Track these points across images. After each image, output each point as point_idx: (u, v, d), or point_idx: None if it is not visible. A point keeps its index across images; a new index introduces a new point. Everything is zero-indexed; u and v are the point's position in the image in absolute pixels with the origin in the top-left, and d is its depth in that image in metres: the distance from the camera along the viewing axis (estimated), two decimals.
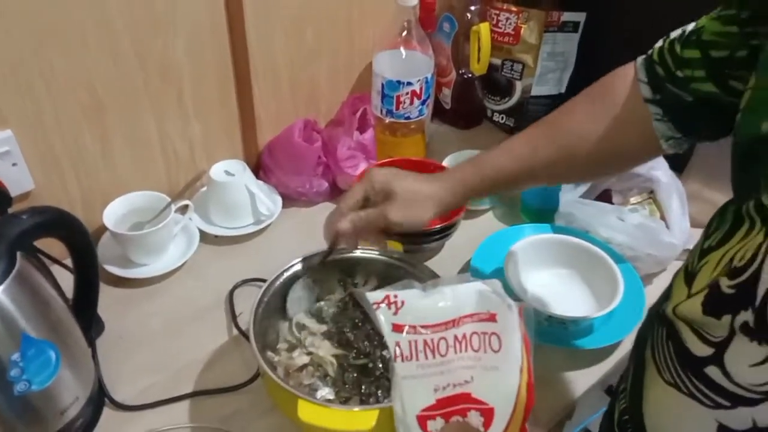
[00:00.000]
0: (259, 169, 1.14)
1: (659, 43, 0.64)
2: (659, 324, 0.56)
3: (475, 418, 0.53)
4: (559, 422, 0.91)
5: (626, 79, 0.66)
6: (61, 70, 0.85)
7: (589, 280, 0.95)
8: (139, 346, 0.87)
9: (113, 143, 0.96)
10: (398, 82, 1.06)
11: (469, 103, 1.30)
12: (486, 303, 0.56)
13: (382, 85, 1.07)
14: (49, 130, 0.89)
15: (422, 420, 0.52)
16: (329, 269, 0.84)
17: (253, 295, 0.78)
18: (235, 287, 0.94)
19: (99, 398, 0.78)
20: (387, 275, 0.84)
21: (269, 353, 0.76)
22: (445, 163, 1.11)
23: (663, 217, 1.02)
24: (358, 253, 0.84)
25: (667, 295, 0.57)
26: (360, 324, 0.77)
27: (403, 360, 0.54)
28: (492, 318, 0.55)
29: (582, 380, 0.86)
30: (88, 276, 0.77)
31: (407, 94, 1.07)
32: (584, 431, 1.13)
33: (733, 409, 0.47)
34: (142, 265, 0.96)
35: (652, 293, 0.92)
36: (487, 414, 0.53)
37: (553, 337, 0.86)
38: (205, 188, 1.07)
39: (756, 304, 0.44)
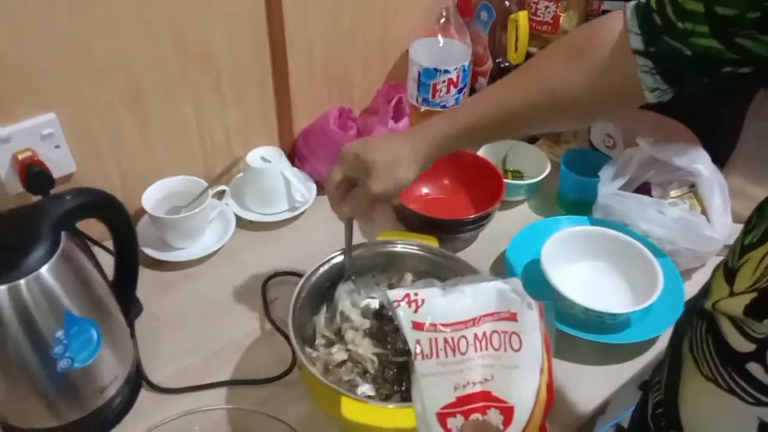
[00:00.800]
0: (293, 157, 1.14)
1: None
2: (698, 318, 0.54)
3: (494, 416, 0.53)
4: (592, 417, 0.90)
5: (613, 28, 0.63)
6: (101, 55, 0.86)
7: (627, 274, 0.94)
8: (176, 329, 0.88)
9: (152, 128, 0.97)
10: (435, 69, 1.05)
11: None
12: (506, 302, 0.56)
13: (419, 72, 1.07)
14: (89, 114, 0.90)
15: (442, 417, 0.52)
16: (366, 265, 0.84)
17: (287, 281, 0.78)
18: (268, 279, 0.94)
19: (137, 378, 0.80)
20: (423, 270, 0.84)
21: (307, 349, 0.76)
22: (480, 153, 1.10)
23: (704, 212, 1.00)
24: (398, 248, 0.84)
25: (706, 291, 0.56)
26: None
27: (423, 358, 0.54)
28: (512, 317, 0.55)
29: (617, 375, 0.85)
30: (129, 257, 0.78)
31: (444, 82, 1.07)
32: (617, 427, 1.12)
33: None
34: (179, 249, 0.97)
35: (692, 288, 0.91)
36: (507, 413, 0.53)
37: (589, 330, 0.85)
38: (241, 174, 1.08)
39: None
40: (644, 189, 1.05)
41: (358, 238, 0.83)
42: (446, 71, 1.06)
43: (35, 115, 0.85)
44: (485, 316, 0.55)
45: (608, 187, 1.00)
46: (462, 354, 0.54)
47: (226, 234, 1.00)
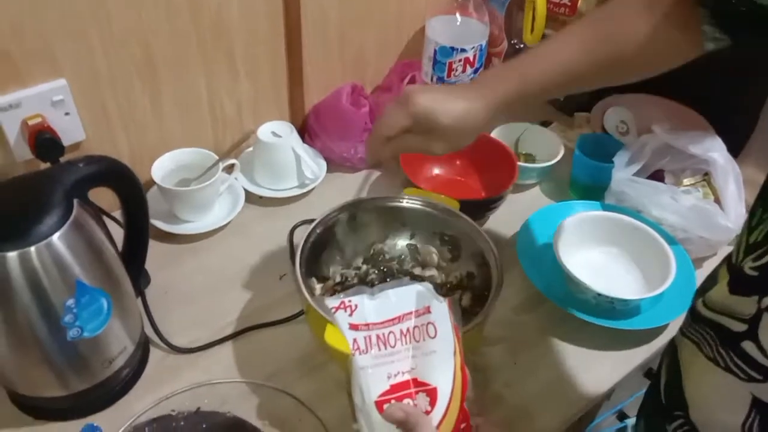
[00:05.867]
0: (304, 133, 1.13)
1: None
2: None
3: (422, 400, 0.60)
4: (598, 402, 0.90)
5: None
6: (116, 22, 0.85)
7: (639, 261, 0.93)
8: (184, 301, 0.87)
9: (163, 99, 0.96)
10: (452, 48, 1.04)
11: None
12: (422, 300, 0.64)
13: (435, 51, 1.05)
14: (101, 82, 0.88)
15: (380, 405, 0.59)
16: (379, 218, 0.87)
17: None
18: (294, 227, 0.92)
19: (144, 350, 0.79)
20: (438, 231, 0.87)
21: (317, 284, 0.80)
22: (493, 134, 1.09)
23: (717, 200, 0.99)
24: (418, 205, 0.86)
25: (711, 284, 0.57)
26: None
27: (360, 353, 0.61)
28: (427, 310, 0.64)
29: (627, 361, 0.85)
30: (139, 228, 0.78)
31: (460, 61, 1.05)
32: (619, 413, 1.13)
33: (764, 383, 0.47)
34: (187, 222, 0.96)
35: (703, 277, 0.90)
36: (432, 394, 0.60)
37: (600, 315, 0.85)
38: (251, 148, 1.07)
39: None
40: (657, 176, 1.04)
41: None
42: (463, 50, 1.04)
43: (46, 81, 0.83)
44: (407, 314, 0.63)
45: (622, 173, 0.99)
46: (392, 347, 0.62)
47: (235, 208, 0.99)
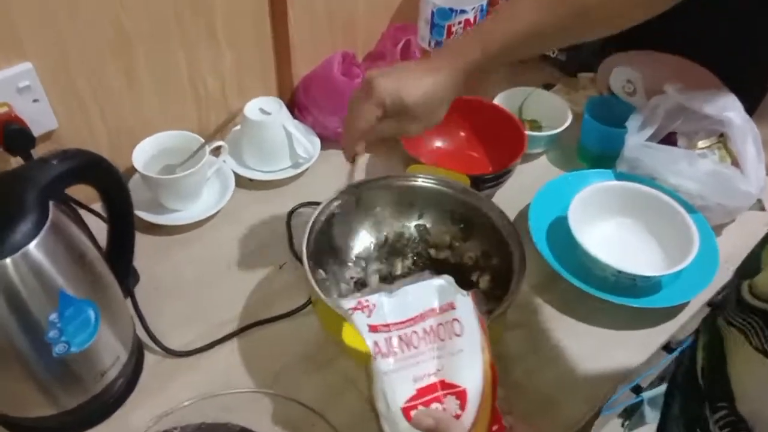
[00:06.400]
0: (293, 108, 1.06)
1: None
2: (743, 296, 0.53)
3: (451, 403, 0.56)
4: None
5: None
6: None
7: (656, 232, 0.89)
8: (176, 297, 0.81)
9: (140, 78, 0.88)
10: (451, 9, 0.96)
11: None
12: (445, 295, 0.61)
13: (432, 12, 0.98)
14: (72, 64, 0.81)
15: (407, 411, 0.56)
16: (386, 199, 0.81)
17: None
18: (292, 211, 0.88)
19: (138, 356, 0.74)
20: (448, 209, 0.81)
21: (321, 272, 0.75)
22: (496, 101, 1.03)
23: (734, 163, 0.94)
24: (429, 183, 0.81)
25: (753, 269, 0.53)
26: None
27: (382, 357, 0.57)
28: (451, 306, 0.60)
29: (650, 340, 0.81)
30: (124, 225, 0.71)
31: (460, 23, 0.98)
32: (636, 387, 1.10)
33: None
34: (175, 211, 0.90)
35: (723, 245, 0.86)
36: (461, 396, 0.57)
37: (619, 293, 0.80)
38: (238, 127, 0.99)
39: None
40: (670, 140, 0.99)
41: None
42: (463, 11, 0.97)
43: (10, 65, 0.75)
44: (429, 311, 0.60)
45: (636, 138, 0.93)
46: (415, 348, 0.58)
47: (225, 194, 0.92)
